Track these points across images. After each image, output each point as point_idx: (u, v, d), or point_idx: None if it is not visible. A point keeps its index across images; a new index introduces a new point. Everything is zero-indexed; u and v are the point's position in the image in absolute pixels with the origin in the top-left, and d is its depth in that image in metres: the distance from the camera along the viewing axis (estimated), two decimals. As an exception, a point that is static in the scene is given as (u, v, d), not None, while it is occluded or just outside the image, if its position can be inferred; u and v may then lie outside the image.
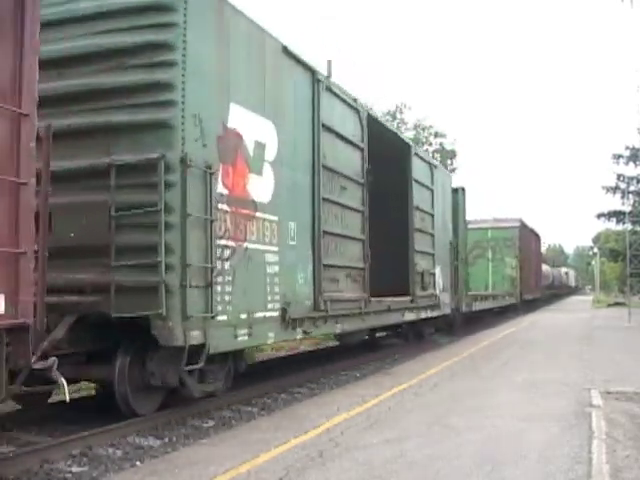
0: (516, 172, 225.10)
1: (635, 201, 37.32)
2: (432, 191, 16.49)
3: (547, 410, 8.24)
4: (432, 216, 16.44)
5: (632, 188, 36.56)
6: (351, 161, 11.66)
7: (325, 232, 10.21)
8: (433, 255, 16.50)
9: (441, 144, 44.19)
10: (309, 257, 9.73)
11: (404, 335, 16.98)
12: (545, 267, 53.43)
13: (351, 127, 11.68)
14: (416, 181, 15.18)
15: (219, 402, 8.70)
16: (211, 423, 7.92)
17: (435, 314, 16.61)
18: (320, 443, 6.60)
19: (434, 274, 16.42)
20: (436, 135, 44.05)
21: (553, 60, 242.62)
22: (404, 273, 14.72)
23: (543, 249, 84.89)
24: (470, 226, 30.70)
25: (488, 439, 6.75)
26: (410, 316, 14.82)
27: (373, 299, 12.06)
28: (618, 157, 36.95)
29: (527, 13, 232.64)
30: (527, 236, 36.91)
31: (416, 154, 15.55)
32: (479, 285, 29.35)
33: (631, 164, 36.97)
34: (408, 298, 14.53)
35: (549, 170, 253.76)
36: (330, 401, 9.07)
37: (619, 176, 36.84)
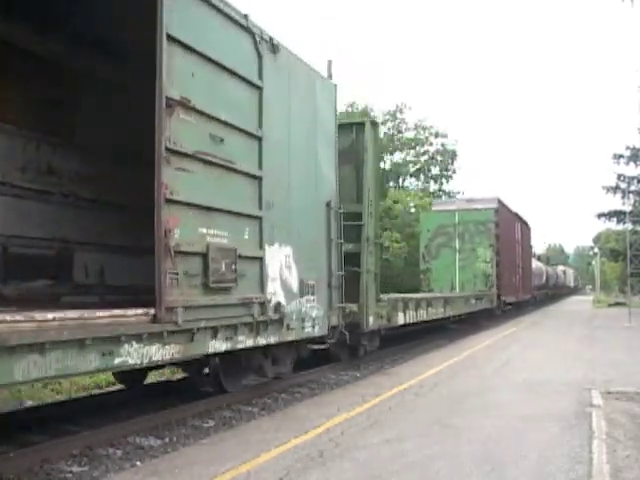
0: (516, 172, 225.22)
1: (635, 201, 37.31)
2: (259, 90, 8.36)
3: (547, 410, 8.24)
4: (257, 140, 8.30)
5: (632, 188, 36.54)
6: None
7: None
8: (258, 220, 8.19)
9: (442, 145, 44.23)
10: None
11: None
12: (537, 264, 47.57)
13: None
14: (184, 46, 6.91)
15: (219, 402, 8.71)
16: (211, 423, 7.92)
17: (261, 341, 8.23)
18: (320, 443, 6.61)
19: (259, 260, 8.19)
20: (437, 135, 44.11)
21: (554, 60, 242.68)
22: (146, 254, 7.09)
23: (543, 249, 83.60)
24: (434, 208, 27.10)
25: (488, 439, 6.75)
26: (147, 355, 6.29)
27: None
28: (618, 157, 36.94)
29: (527, 14, 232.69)
30: (508, 221, 28.59)
31: None
32: (443, 284, 24.25)
33: (631, 164, 36.96)
34: (133, 313, 6.29)
35: (549, 170, 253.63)
36: (330, 401, 9.08)
37: (619, 176, 36.82)
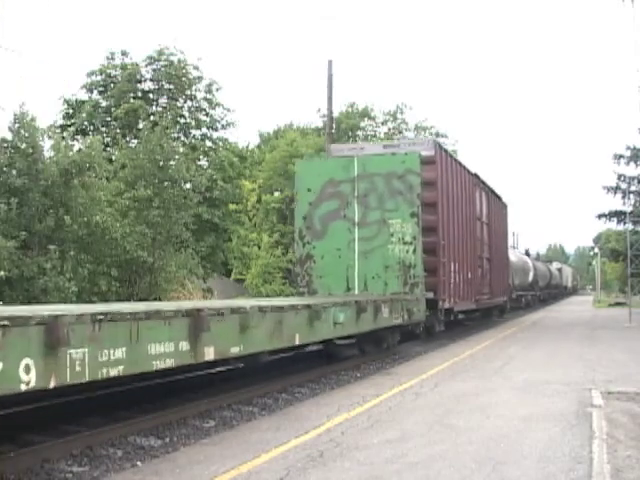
0: (517, 172, 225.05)
1: (636, 201, 37.23)
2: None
3: (548, 410, 8.24)
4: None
5: (633, 188, 36.45)
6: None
7: None
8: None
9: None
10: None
11: None
12: (521, 257, 40.62)
13: None
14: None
15: (219, 402, 8.71)
16: (212, 423, 7.92)
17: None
18: (321, 443, 6.60)
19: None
20: (437, 136, 44.05)
21: (554, 60, 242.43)
22: None
23: (543, 249, 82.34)
24: (334, 154, 17.27)
25: (489, 439, 6.74)
26: None
27: None
28: (619, 157, 36.85)
29: (527, 14, 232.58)
30: (458, 183, 18.68)
31: None
32: (332, 282, 15.18)
33: (632, 164, 36.86)
34: None
35: (550, 170, 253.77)
36: (331, 401, 9.07)
37: (620, 176, 36.74)
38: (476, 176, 21.99)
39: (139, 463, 6.22)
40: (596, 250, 75.43)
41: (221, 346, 7.40)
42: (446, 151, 18.50)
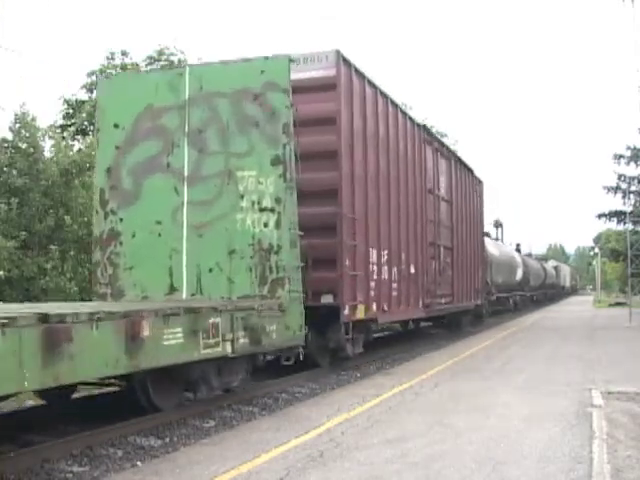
0: (517, 172, 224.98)
1: (636, 201, 37.24)
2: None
3: (548, 410, 8.24)
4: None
5: (633, 188, 36.47)
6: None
7: None
8: None
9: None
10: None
11: None
12: (504, 249, 33.72)
13: None
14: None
15: (219, 402, 8.71)
16: (212, 423, 7.91)
17: None
18: (321, 443, 6.60)
19: None
20: (437, 135, 44.01)
21: (555, 60, 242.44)
22: None
23: (543, 249, 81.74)
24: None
25: (489, 439, 6.74)
26: None
27: None
28: (619, 157, 36.86)
29: (527, 14, 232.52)
30: (381, 123, 12.75)
31: None
32: (151, 277, 9.42)
33: (632, 164, 36.88)
34: None
35: (550, 170, 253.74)
36: (331, 401, 9.07)
37: (620, 176, 36.73)
38: (427, 131, 16.19)
39: (139, 463, 6.22)
40: (596, 250, 75.40)
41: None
42: (362, 75, 11.85)
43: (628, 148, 36.57)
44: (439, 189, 17.01)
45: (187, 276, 9.29)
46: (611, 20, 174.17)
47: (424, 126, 16.04)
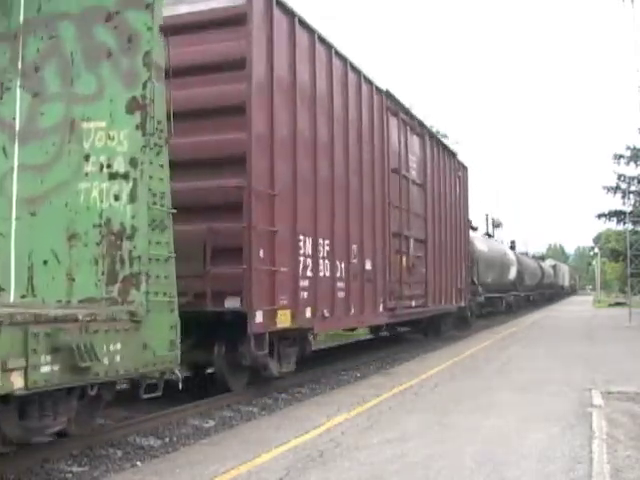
0: (517, 172, 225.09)
1: (636, 201, 37.27)
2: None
3: (548, 410, 8.23)
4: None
5: (633, 188, 36.50)
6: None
7: None
8: None
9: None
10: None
11: None
12: (495, 245, 30.65)
13: None
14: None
15: (219, 402, 8.71)
16: (212, 423, 7.91)
17: None
18: (321, 443, 6.60)
19: None
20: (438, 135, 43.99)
21: (555, 60, 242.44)
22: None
23: (543, 249, 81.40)
24: None
25: (489, 439, 6.74)
26: None
27: None
28: (619, 157, 36.89)
29: (528, 14, 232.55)
30: (317, 75, 9.92)
31: None
32: None
33: (632, 164, 36.91)
34: None
35: (550, 170, 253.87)
36: (331, 401, 9.07)
37: (620, 176, 36.77)
38: (391, 98, 13.42)
39: (139, 463, 6.22)
40: (596, 250, 75.45)
41: None
42: (290, 12, 9.34)
43: (628, 148, 36.62)
44: (408, 170, 14.26)
45: (16, 270, 6.44)
46: (611, 20, 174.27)
47: (387, 92, 13.11)
